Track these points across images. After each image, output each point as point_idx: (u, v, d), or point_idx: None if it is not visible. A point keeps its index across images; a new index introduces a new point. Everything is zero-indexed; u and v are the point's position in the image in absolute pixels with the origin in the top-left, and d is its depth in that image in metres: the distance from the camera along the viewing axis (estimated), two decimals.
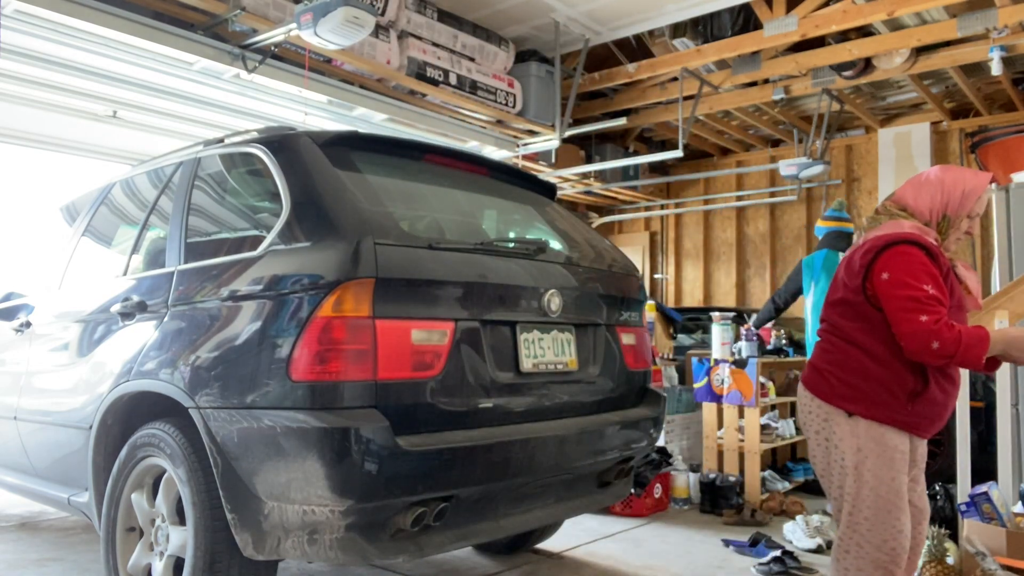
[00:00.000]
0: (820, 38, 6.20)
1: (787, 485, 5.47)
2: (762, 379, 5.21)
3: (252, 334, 2.35)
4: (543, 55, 6.70)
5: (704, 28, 6.54)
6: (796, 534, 4.20)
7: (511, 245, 2.86)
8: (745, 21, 6.28)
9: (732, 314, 5.92)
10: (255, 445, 2.26)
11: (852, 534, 2.27)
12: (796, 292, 5.38)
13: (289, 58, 5.06)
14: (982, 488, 3.30)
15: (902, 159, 8.31)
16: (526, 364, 2.66)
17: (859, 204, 8.77)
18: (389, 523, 2.27)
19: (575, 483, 2.93)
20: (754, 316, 5.82)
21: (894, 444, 2.26)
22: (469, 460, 2.36)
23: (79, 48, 4.39)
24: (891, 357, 2.25)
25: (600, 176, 8.63)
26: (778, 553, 3.73)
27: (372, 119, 5.88)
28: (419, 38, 5.67)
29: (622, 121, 7.39)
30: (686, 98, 7.06)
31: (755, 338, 5.26)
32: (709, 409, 5.33)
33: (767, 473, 5.40)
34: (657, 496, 4.92)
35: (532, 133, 6.84)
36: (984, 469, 3.74)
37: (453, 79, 5.82)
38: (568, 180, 8.43)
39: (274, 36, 4.61)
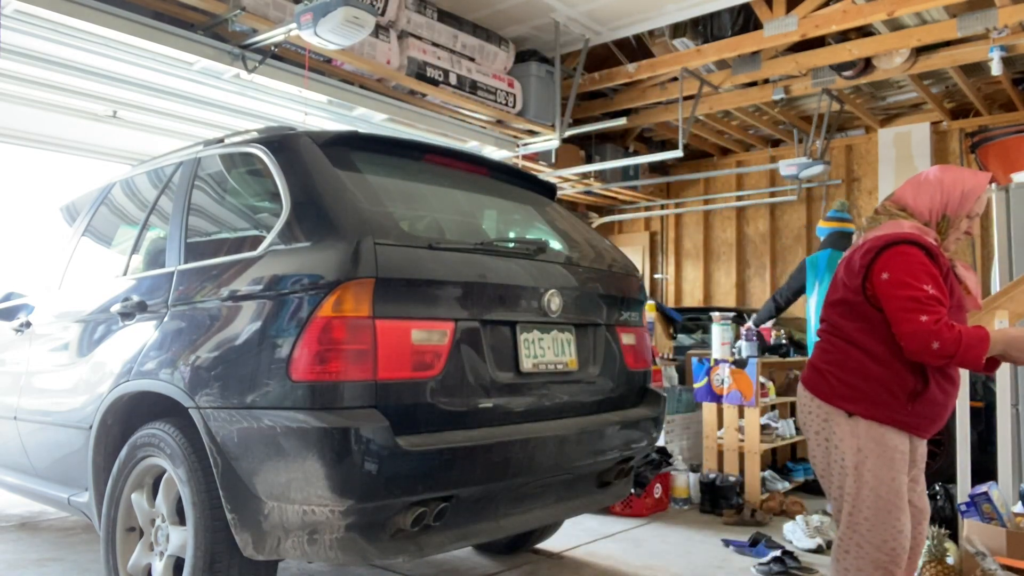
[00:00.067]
0: (820, 38, 6.20)
1: (787, 485, 5.47)
2: (762, 379, 5.21)
3: (252, 334, 2.35)
4: (543, 55, 6.70)
5: (704, 28, 6.54)
6: (796, 534, 4.20)
7: (511, 245, 2.86)
8: (745, 21, 6.28)
9: (732, 314, 5.92)
10: (255, 445, 2.26)
11: (852, 534, 2.27)
12: (798, 291, 5.38)
13: (289, 58, 5.06)
14: (982, 488, 3.30)
15: (902, 159, 8.31)
16: (526, 364, 2.66)
17: (859, 204, 8.77)
18: (389, 523, 2.27)
19: (575, 483, 2.93)
20: (754, 315, 5.82)
21: (894, 444, 2.26)
22: (469, 460, 2.36)
23: (79, 48, 4.38)
24: (891, 357, 2.25)
25: (600, 176, 8.63)
26: (778, 553, 3.73)
27: (372, 119, 5.88)
28: (419, 38, 5.67)
29: (622, 121, 7.39)
30: (686, 98, 7.06)
31: (755, 338, 5.26)
32: (709, 409, 5.33)
33: (767, 473, 5.40)
34: (657, 496, 4.93)
35: (532, 133, 6.84)
36: (984, 469, 3.74)
37: (453, 79, 5.82)
38: (568, 180, 8.43)
39: (274, 36, 4.61)
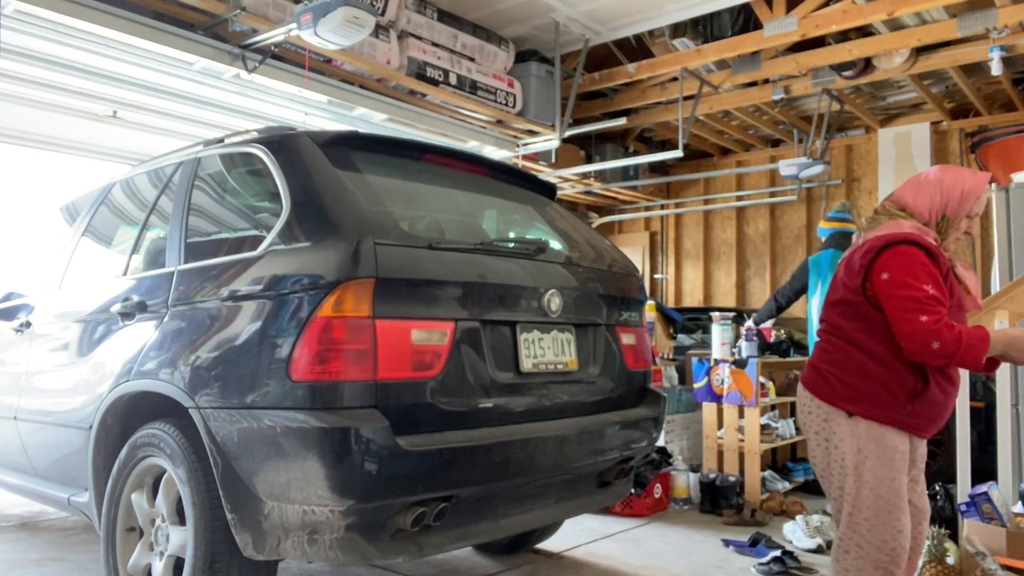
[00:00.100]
0: (820, 38, 6.20)
1: (787, 485, 5.47)
2: (762, 379, 5.21)
3: (252, 334, 2.35)
4: (543, 55, 6.70)
5: (704, 28, 6.54)
6: (796, 534, 4.20)
7: (511, 245, 2.86)
8: (745, 21, 6.28)
9: (732, 314, 5.92)
10: (255, 445, 2.26)
11: (852, 534, 2.27)
12: (799, 291, 5.39)
13: (289, 58, 5.06)
14: (982, 488, 3.30)
15: (902, 159, 8.31)
16: (526, 364, 2.66)
17: (859, 204, 8.76)
18: (389, 523, 2.27)
19: (575, 483, 2.93)
20: (754, 314, 5.82)
21: (894, 444, 2.26)
22: (469, 460, 2.36)
23: (79, 48, 4.38)
24: (891, 357, 2.25)
25: (600, 176, 8.62)
26: (778, 553, 3.73)
27: (372, 119, 5.88)
28: (419, 38, 5.67)
29: (622, 121, 7.39)
30: (686, 98, 7.06)
31: (755, 337, 5.26)
32: (709, 409, 5.33)
33: (767, 473, 5.40)
34: (657, 496, 4.93)
35: (532, 133, 6.84)
36: (984, 469, 3.74)
37: (453, 79, 5.82)
38: (568, 180, 8.43)
39: (274, 36, 4.61)
